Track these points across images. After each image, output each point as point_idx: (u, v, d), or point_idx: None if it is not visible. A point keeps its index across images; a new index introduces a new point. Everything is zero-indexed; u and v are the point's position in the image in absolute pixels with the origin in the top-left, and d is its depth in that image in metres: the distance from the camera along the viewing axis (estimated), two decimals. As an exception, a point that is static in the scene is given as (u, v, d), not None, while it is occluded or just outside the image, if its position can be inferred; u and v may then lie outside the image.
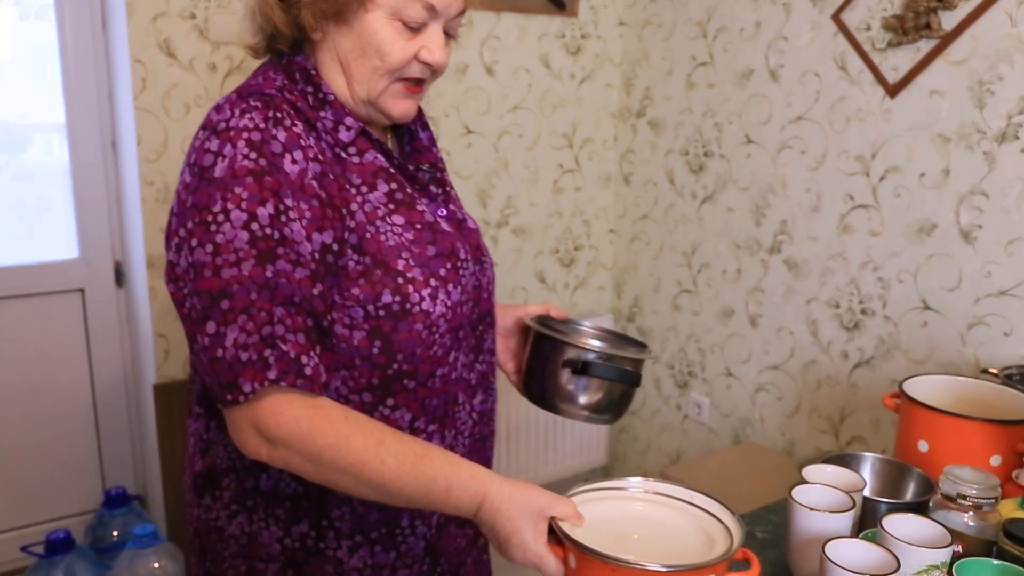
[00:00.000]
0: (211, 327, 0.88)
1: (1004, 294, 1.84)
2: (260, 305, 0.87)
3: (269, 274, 0.88)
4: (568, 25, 2.62)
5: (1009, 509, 1.11)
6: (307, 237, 0.91)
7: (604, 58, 2.72)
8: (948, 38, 1.88)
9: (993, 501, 1.05)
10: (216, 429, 1.05)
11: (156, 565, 1.93)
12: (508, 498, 0.90)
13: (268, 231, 0.88)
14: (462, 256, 1.06)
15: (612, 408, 1.25)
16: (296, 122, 0.95)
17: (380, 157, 1.03)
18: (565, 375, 1.20)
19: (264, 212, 0.89)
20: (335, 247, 0.94)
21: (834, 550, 0.91)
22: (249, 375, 0.87)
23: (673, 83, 2.58)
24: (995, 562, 0.98)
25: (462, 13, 1.04)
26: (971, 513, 1.04)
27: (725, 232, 2.46)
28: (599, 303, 2.91)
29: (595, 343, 1.24)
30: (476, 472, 0.92)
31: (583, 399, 1.22)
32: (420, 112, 1.18)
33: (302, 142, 0.94)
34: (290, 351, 0.88)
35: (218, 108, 0.95)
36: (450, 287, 1.02)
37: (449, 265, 1.03)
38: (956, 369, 1.92)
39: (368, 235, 0.97)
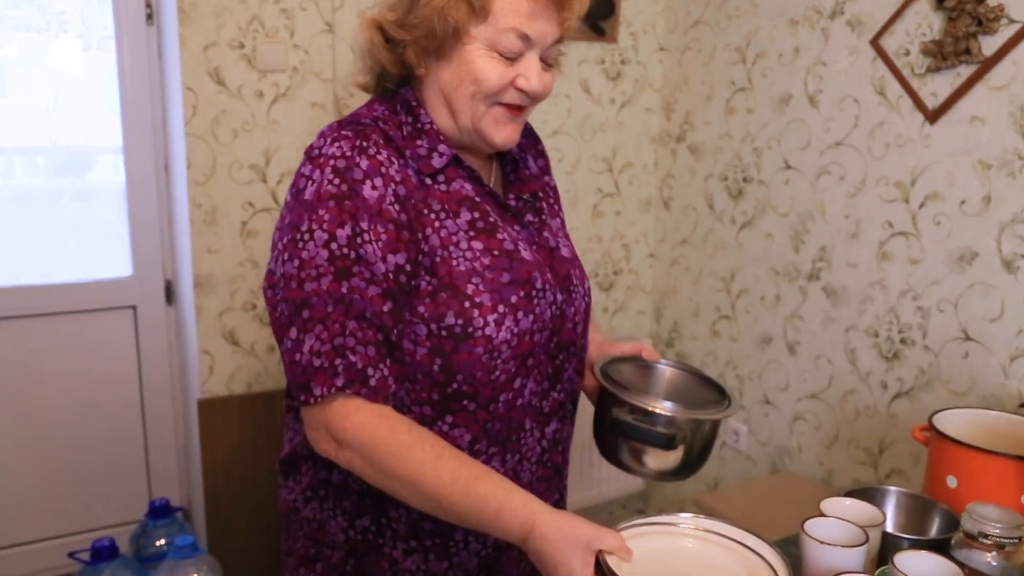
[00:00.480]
0: (293, 333, 0.96)
1: (1048, 325, 1.78)
2: (335, 318, 0.95)
3: (344, 290, 0.95)
4: (608, 51, 2.63)
5: (1037, 548, 1.07)
6: (382, 258, 0.97)
7: (644, 83, 2.72)
8: (989, 63, 1.84)
9: (1017, 541, 1.01)
10: (301, 421, 1.12)
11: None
12: (557, 528, 0.91)
13: (345, 251, 0.95)
14: (539, 285, 1.06)
15: (683, 470, 1.09)
16: (382, 150, 1.01)
17: (468, 186, 1.07)
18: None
19: (343, 233, 0.95)
20: (408, 268, 0.99)
21: (842, 586, 0.89)
22: (320, 380, 0.94)
23: (713, 108, 2.57)
24: (1016, 604, 0.94)
25: (559, 41, 1.05)
26: (994, 553, 1.01)
27: (764, 258, 2.43)
28: (638, 328, 2.89)
29: (650, 400, 1.07)
30: (528, 500, 0.94)
31: (648, 459, 1.09)
32: (536, 140, 1.23)
33: (383, 169, 0.99)
34: (357, 362, 0.95)
35: (319, 135, 1.03)
36: (520, 314, 1.03)
37: (522, 293, 1.03)
38: (998, 402, 1.85)
39: (439, 258, 1.00)
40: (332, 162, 0.98)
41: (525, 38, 1.01)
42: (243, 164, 2.16)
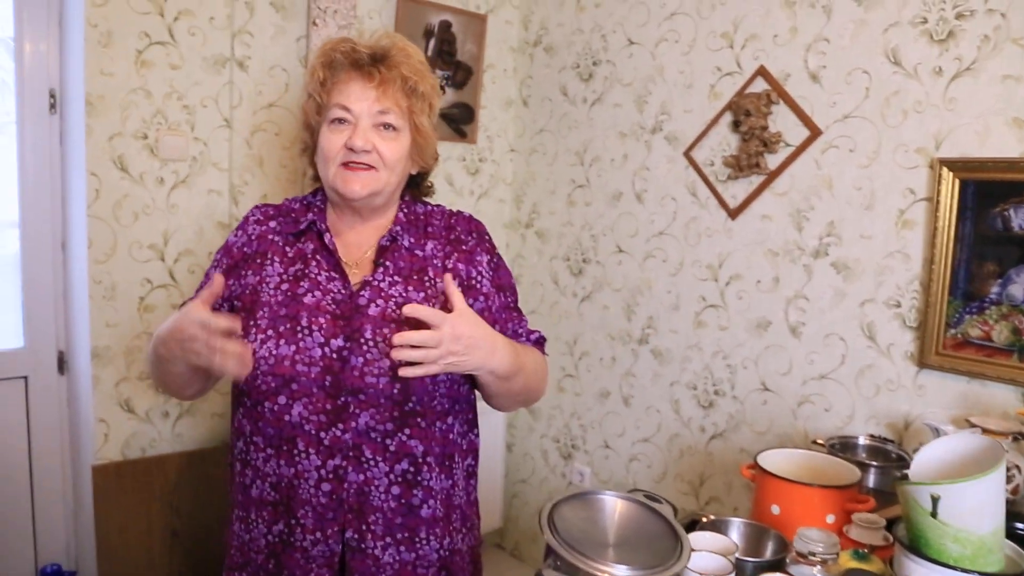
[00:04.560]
0: None
1: (824, 378, 1.98)
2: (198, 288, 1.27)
3: (205, 280, 1.28)
4: (468, 150, 2.71)
5: (845, 559, 1.18)
6: (222, 273, 1.23)
7: (498, 178, 2.82)
8: (773, 175, 2.06)
9: (835, 556, 1.11)
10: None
11: (88, 640, 1.77)
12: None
13: (208, 267, 1.30)
14: (303, 323, 1.15)
15: None
16: (261, 215, 1.28)
17: (311, 245, 1.23)
18: None
19: (215, 257, 1.28)
20: (230, 282, 1.23)
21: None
22: None
23: (556, 200, 2.69)
24: (841, 608, 1.04)
25: (387, 113, 1.18)
26: (819, 567, 1.10)
27: (601, 326, 2.55)
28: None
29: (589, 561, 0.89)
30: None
31: None
32: (451, 232, 1.27)
33: (247, 227, 1.26)
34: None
35: None
36: (281, 341, 1.14)
37: (288, 325, 1.15)
38: (789, 439, 2.03)
39: (249, 291, 1.20)
40: (242, 220, 1.30)
41: (345, 108, 1.17)
42: (143, 244, 2.03)
